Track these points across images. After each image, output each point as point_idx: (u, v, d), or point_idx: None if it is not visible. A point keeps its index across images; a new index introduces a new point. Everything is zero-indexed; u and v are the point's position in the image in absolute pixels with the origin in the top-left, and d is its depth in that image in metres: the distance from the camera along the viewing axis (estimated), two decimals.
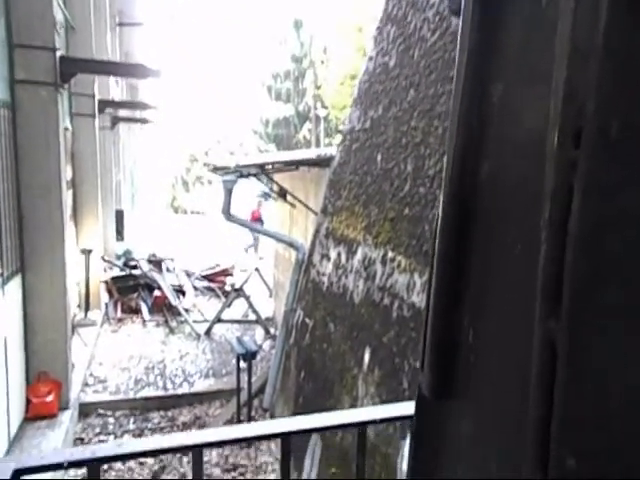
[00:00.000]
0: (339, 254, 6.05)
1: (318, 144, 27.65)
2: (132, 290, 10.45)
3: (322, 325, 6.06)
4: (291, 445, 1.34)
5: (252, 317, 9.88)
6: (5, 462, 1.16)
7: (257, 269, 11.06)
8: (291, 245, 6.62)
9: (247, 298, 9.47)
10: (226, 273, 12.45)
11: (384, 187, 5.23)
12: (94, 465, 1.22)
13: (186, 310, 10.02)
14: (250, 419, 6.22)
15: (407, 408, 1.47)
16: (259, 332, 9.53)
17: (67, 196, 9.13)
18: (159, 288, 10.40)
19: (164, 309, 10.03)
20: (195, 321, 9.70)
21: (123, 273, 10.69)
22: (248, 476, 5.52)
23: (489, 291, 0.58)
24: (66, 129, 8.97)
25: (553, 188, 0.44)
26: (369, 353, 4.78)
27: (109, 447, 1.32)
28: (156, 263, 11.85)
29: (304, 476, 5.69)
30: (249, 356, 5.88)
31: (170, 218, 28.27)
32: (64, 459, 1.21)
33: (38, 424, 5.48)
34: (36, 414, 5.58)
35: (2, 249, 4.98)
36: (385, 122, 5.54)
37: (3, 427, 4.97)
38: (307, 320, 6.52)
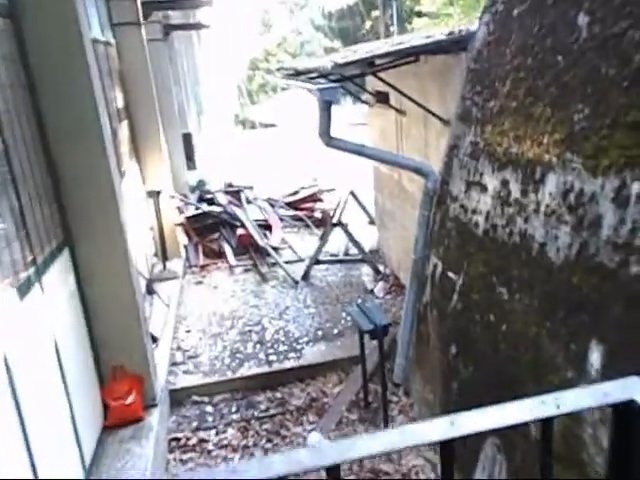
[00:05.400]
0: (504, 183, 4.04)
1: (388, 34, 24.27)
2: (212, 230, 9.07)
3: (483, 286, 4.24)
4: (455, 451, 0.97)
5: (353, 251, 8.25)
6: None
7: (352, 192, 9.26)
8: (417, 171, 4.72)
9: (348, 231, 7.80)
10: (314, 198, 10.76)
11: (604, 69, 3.10)
12: None
13: (275, 249, 8.54)
14: (386, 402, 4.75)
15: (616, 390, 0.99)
16: (365, 270, 7.93)
17: (122, 129, 7.60)
18: (242, 225, 8.94)
19: (250, 250, 8.60)
20: (288, 262, 8.23)
21: (199, 211, 9.27)
22: None
23: None
24: (107, 44, 7.22)
25: None
26: (602, 352, 2.97)
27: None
28: (234, 194, 10.35)
29: None
30: (380, 333, 4.26)
31: (239, 134, 26.68)
32: None
33: (120, 435, 4.28)
34: (117, 421, 4.38)
35: (27, 228, 3.46)
36: None
37: (74, 452, 3.76)
38: (451, 275, 4.71)
